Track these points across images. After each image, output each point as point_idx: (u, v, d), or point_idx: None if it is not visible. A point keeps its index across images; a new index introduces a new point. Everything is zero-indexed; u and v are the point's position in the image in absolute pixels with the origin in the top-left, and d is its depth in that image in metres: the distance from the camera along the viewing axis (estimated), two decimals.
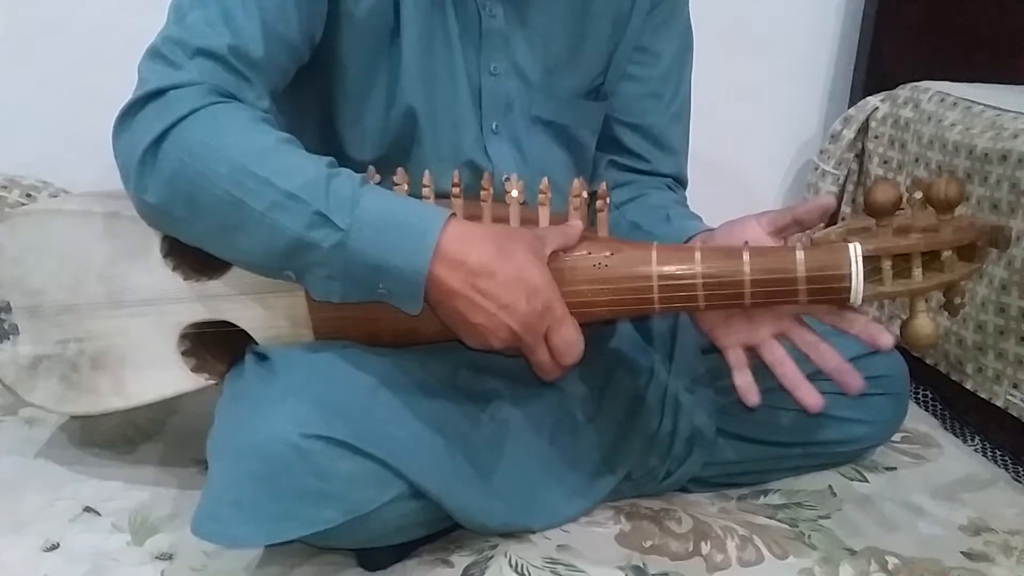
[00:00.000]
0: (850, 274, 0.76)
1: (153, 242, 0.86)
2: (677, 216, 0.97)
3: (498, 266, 0.75)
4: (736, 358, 0.85)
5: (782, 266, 0.78)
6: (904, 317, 0.81)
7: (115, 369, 0.89)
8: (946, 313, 0.82)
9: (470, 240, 0.75)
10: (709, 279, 0.79)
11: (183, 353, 0.88)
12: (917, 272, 0.78)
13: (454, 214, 0.76)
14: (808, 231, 0.84)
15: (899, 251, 0.77)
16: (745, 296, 0.78)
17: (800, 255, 0.77)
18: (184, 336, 0.88)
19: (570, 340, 0.79)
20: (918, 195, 0.77)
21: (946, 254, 0.78)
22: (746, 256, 0.78)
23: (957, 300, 0.81)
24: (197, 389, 0.88)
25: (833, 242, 0.78)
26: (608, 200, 0.85)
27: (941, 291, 0.80)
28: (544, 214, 0.83)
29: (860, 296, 0.77)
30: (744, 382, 0.84)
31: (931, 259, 0.78)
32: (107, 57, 1.08)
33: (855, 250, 0.76)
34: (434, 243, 0.74)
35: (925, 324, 0.79)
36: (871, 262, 0.77)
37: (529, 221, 0.83)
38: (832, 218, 0.87)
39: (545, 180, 0.83)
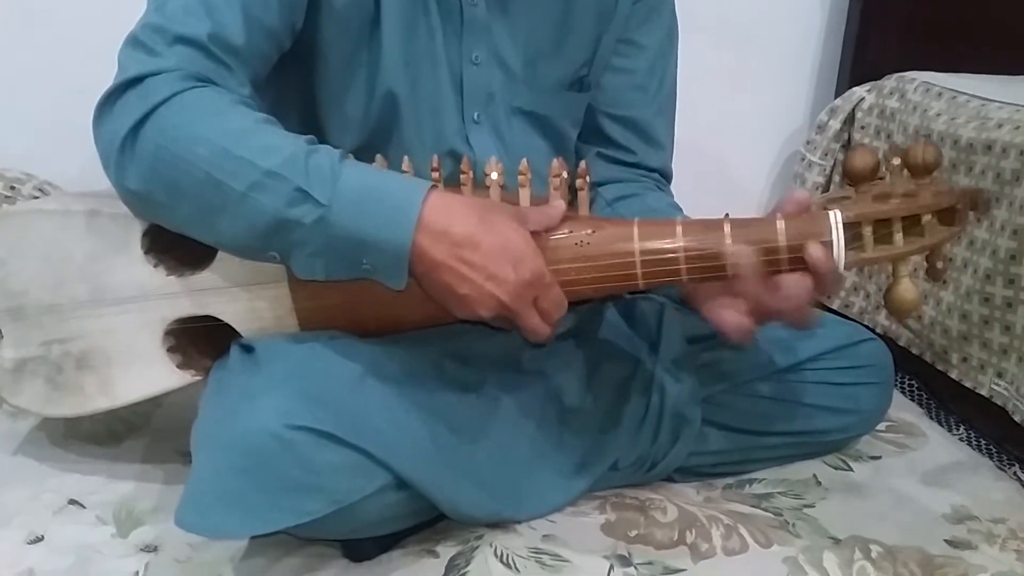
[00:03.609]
0: (831, 241, 0.76)
1: (134, 238, 0.85)
2: None
3: (482, 236, 0.74)
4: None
5: (764, 236, 0.78)
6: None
7: (100, 369, 0.88)
8: (930, 279, 0.81)
9: (452, 211, 0.75)
10: (691, 252, 0.78)
11: (168, 350, 0.87)
12: (898, 237, 0.78)
13: (435, 185, 0.76)
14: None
15: (879, 216, 0.77)
16: (727, 267, 0.78)
17: (781, 224, 0.77)
18: (169, 333, 0.87)
19: (557, 300, 0.79)
20: (896, 161, 0.77)
21: (926, 218, 0.78)
22: (727, 228, 0.78)
23: (939, 265, 0.81)
24: (183, 386, 0.88)
25: (814, 211, 0.78)
26: (588, 179, 0.84)
27: (923, 255, 0.80)
28: (524, 196, 0.83)
29: (842, 262, 0.77)
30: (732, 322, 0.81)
31: (911, 224, 0.78)
32: (90, 50, 1.07)
33: (835, 217, 0.77)
34: (416, 214, 0.73)
35: (908, 289, 0.79)
36: (852, 228, 0.77)
37: (509, 203, 0.83)
38: None
39: (524, 162, 0.83)
